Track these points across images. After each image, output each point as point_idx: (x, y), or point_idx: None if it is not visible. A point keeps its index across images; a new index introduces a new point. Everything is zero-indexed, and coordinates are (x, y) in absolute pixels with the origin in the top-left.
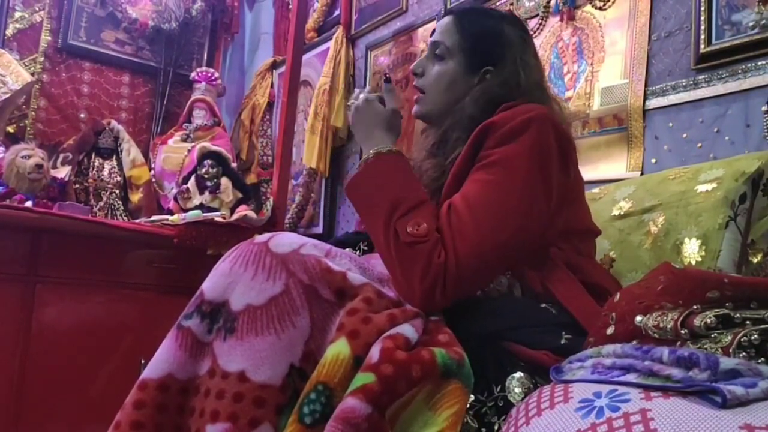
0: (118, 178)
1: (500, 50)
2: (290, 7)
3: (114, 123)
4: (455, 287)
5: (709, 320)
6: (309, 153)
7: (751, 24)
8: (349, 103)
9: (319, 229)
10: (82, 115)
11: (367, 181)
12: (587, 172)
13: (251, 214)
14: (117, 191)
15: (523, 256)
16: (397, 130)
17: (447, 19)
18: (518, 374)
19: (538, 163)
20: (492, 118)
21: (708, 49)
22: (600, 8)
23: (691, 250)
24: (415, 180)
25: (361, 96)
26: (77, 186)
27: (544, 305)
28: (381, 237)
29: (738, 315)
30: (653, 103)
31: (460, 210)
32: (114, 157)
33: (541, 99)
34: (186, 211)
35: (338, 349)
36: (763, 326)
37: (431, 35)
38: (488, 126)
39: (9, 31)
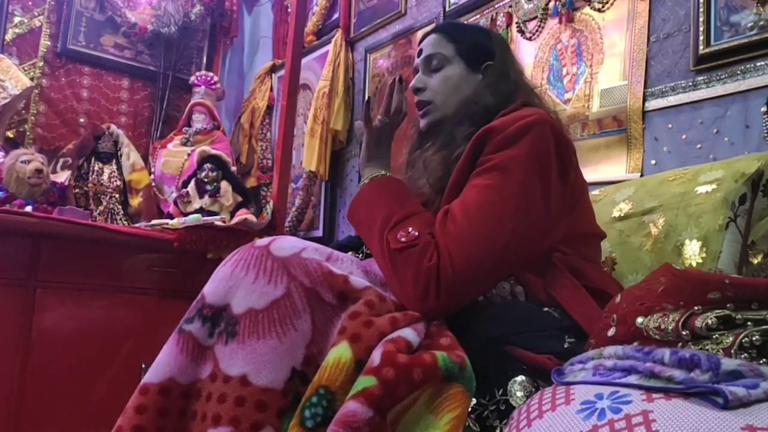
0: (118, 183)
1: (492, 49)
2: (289, 10)
3: (113, 127)
4: (450, 290)
5: (710, 321)
6: (309, 156)
7: (749, 25)
8: (359, 120)
9: (319, 233)
10: (81, 120)
11: (364, 202)
12: (587, 174)
13: (251, 217)
14: (117, 195)
15: (523, 261)
16: (387, 150)
17: (433, 35)
18: (520, 378)
19: (536, 168)
20: (491, 123)
21: (707, 50)
22: (599, 10)
23: (692, 252)
24: (409, 196)
25: (378, 119)
26: (77, 190)
27: (546, 309)
28: (377, 249)
29: (739, 316)
30: (652, 104)
31: (456, 214)
32: (114, 161)
33: (530, 93)
34: (186, 215)
35: (340, 352)
36: (764, 327)
37: (418, 55)
38: (488, 131)
39: (8, 36)
